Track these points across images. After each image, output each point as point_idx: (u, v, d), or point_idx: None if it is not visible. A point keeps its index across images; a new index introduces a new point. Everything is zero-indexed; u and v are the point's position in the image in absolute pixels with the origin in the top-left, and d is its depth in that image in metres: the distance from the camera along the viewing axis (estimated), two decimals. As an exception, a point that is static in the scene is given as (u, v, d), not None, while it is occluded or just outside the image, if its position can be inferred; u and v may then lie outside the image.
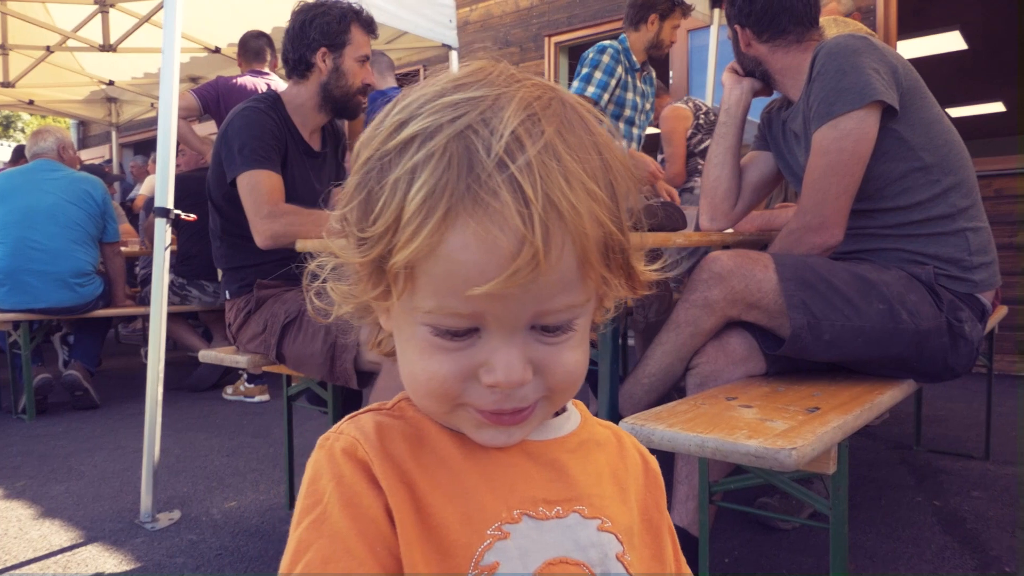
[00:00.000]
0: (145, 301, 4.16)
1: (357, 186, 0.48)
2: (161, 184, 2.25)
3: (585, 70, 3.08)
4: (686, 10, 3.23)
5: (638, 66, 3.21)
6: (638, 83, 3.25)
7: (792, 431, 1.08)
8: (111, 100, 7.37)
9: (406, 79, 6.86)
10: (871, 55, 1.51)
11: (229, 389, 3.92)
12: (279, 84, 3.88)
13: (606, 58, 3.06)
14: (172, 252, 4.09)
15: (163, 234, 2.19)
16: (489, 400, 0.47)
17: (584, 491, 0.52)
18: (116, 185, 8.33)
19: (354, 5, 2.06)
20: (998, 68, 8.16)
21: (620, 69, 3.11)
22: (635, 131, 3.31)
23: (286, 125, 2.02)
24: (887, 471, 2.53)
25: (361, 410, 0.54)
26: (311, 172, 2.07)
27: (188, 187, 3.97)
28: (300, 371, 1.94)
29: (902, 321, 1.46)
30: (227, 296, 2.06)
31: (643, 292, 0.54)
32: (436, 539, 0.47)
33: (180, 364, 4.74)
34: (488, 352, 0.46)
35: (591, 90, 3.03)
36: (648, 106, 3.36)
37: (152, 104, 7.08)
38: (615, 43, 3.16)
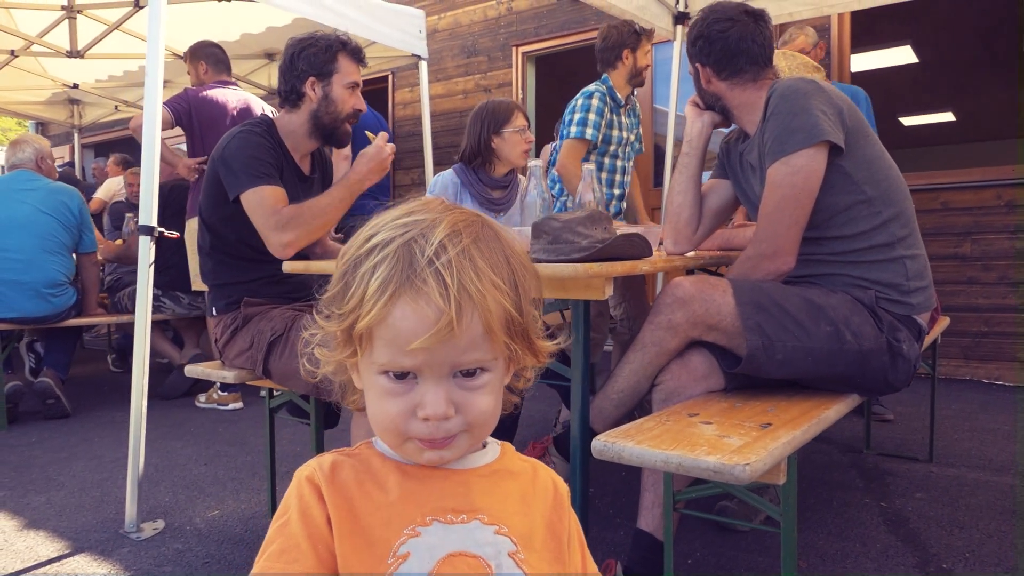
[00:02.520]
0: (116, 308, 4.19)
1: (339, 277, 0.69)
2: (145, 201, 2.32)
3: (578, 115, 3.28)
4: (650, 34, 3.40)
5: (622, 102, 3.41)
6: (623, 119, 3.45)
7: (746, 447, 1.21)
8: (74, 102, 7.30)
9: (376, 84, 6.92)
10: (819, 98, 1.65)
11: (202, 397, 3.96)
12: (246, 95, 3.92)
13: (595, 102, 3.27)
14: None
15: (147, 252, 2.26)
16: (424, 431, 0.66)
17: (486, 505, 0.70)
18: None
19: (341, 36, 2.15)
20: (947, 80, 8.49)
21: (607, 110, 3.33)
22: (619, 163, 3.50)
23: (281, 149, 2.10)
24: (839, 474, 2.69)
25: (329, 451, 0.74)
26: (302, 195, 2.15)
27: (162, 200, 4.00)
28: (286, 386, 2.02)
29: (846, 342, 1.60)
30: (213, 312, 2.13)
31: (545, 361, 0.73)
32: (364, 536, 0.66)
33: (151, 371, 4.74)
34: (422, 394, 0.65)
35: (589, 132, 3.25)
36: (633, 137, 3.56)
37: (116, 106, 7.04)
38: (600, 85, 3.36)
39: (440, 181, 2.78)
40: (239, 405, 3.90)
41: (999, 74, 7.96)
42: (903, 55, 7.26)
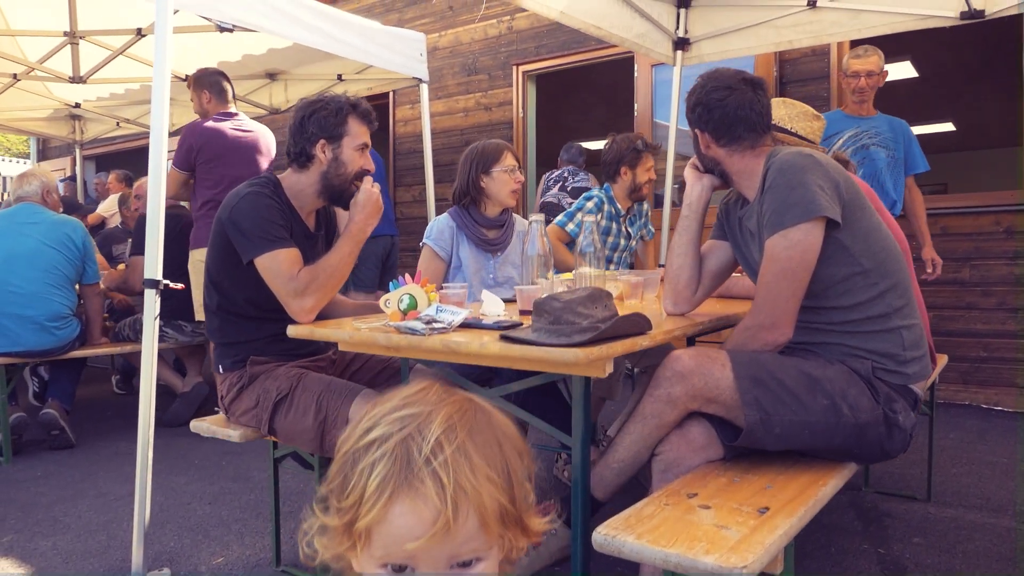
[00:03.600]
0: (118, 338, 4.21)
1: (338, 470, 0.72)
2: (151, 254, 2.34)
3: (573, 213, 3.52)
4: (654, 150, 3.58)
5: (623, 212, 3.58)
6: (623, 227, 3.62)
7: (744, 542, 1.23)
8: (75, 118, 7.32)
9: (377, 100, 6.93)
10: (816, 172, 1.68)
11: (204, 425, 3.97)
12: (251, 125, 3.94)
13: (590, 204, 3.49)
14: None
15: (152, 305, 2.29)
16: None
17: None
18: (79, 199, 8.27)
19: (351, 98, 2.17)
20: (947, 93, 8.51)
21: (601, 217, 3.50)
22: (611, 267, 3.63)
23: (288, 208, 2.12)
24: (837, 515, 2.72)
25: None
26: (308, 252, 2.17)
27: (170, 223, 4.03)
28: (291, 444, 2.05)
29: (843, 415, 1.63)
30: (220, 370, 2.16)
31: (538, 540, 0.76)
32: None
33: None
34: None
35: (570, 227, 3.49)
36: (634, 243, 3.74)
37: (117, 123, 7.07)
38: (601, 193, 3.54)
39: (436, 226, 2.81)
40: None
41: (999, 87, 7.98)
42: (903, 70, 7.27)
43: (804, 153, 1.72)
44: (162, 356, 4.38)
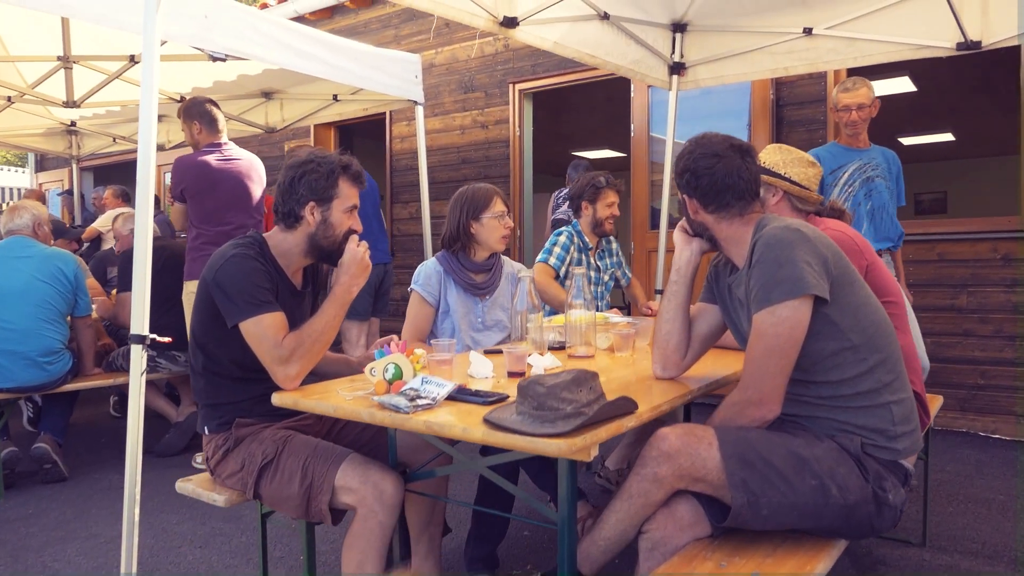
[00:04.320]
0: (112, 367, 4.19)
1: None
2: (137, 309, 2.32)
3: (550, 248, 3.58)
4: (614, 184, 3.64)
5: (591, 245, 3.65)
6: (592, 260, 3.68)
7: (727, 649, 1.21)
8: (72, 133, 7.31)
9: (373, 116, 6.90)
10: (804, 248, 1.65)
11: (199, 457, 3.97)
12: (241, 156, 3.91)
13: (562, 239, 3.58)
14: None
15: (139, 361, 2.27)
16: None
17: None
18: (76, 215, 8.26)
19: (343, 159, 2.15)
20: (945, 107, 8.48)
21: (573, 249, 3.58)
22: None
23: (274, 268, 2.10)
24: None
25: None
26: (296, 311, 2.15)
27: (160, 254, 4.01)
28: (277, 508, 2.03)
29: (832, 496, 1.61)
30: (205, 431, 2.13)
31: None
32: None
33: (147, 429, 4.76)
34: None
35: (552, 260, 3.54)
36: (607, 277, 3.78)
37: (114, 139, 7.05)
38: (570, 228, 3.64)
39: (424, 271, 2.79)
40: (235, 466, 3.91)
41: (997, 100, 7.95)
42: (901, 84, 7.25)
43: (792, 228, 1.69)
44: (155, 384, 4.36)
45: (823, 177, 3.46)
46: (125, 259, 4.02)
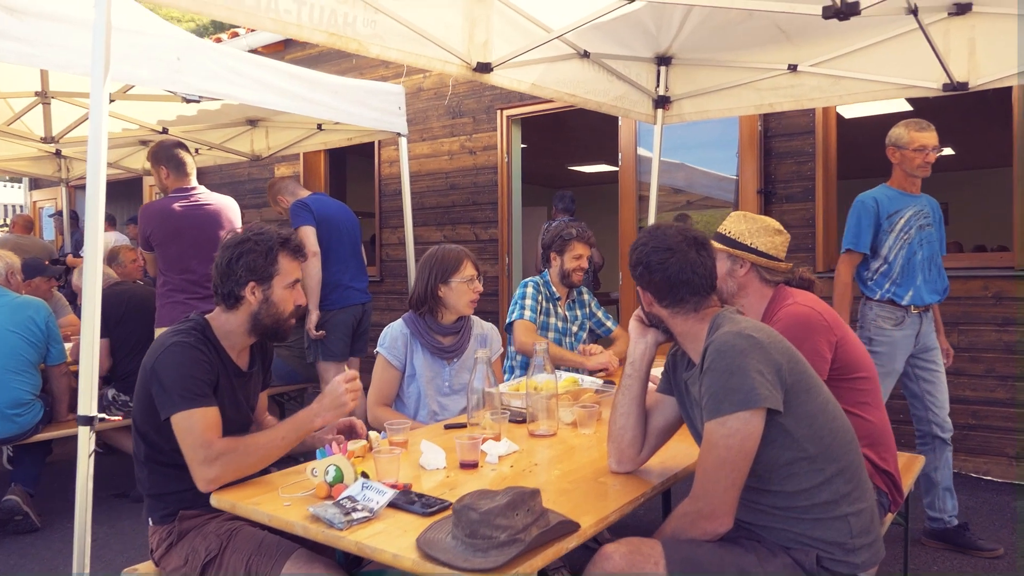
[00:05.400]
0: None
1: None
2: (85, 385, 2.26)
3: (516, 304, 3.50)
4: (584, 236, 3.55)
5: (558, 296, 3.59)
6: (560, 310, 3.61)
7: None
8: (61, 157, 7.26)
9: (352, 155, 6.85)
10: (756, 356, 1.58)
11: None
12: (207, 195, 3.85)
13: (528, 290, 3.50)
14: (110, 368, 4.09)
15: (86, 444, 2.21)
16: None
17: None
18: (66, 236, 8.22)
19: (282, 234, 2.08)
20: (943, 125, 8.36)
21: (541, 299, 3.51)
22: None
23: (216, 351, 2.04)
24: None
25: None
26: (239, 392, 2.09)
27: (123, 299, 3.97)
28: (220, 606, 1.97)
29: (784, 618, 1.54)
30: (150, 523, 2.08)
31: None
32: None
33: (126, 471, 4.71)
34: None
35: (527, 314, 3.44)
36: (575, 328, 3.68)
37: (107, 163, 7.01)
38: (538, 278, 3.59)
39: (390, 334, 2.73)
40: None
41: (991, 115, 7.86)
42: (897, 104, 7.15)
43: (745, 333, 1.62)
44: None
45: (879, 222, 3.31)
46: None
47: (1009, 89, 4.17)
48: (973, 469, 4.32)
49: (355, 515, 1.60)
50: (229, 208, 3.91)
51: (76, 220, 8.55)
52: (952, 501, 3.41)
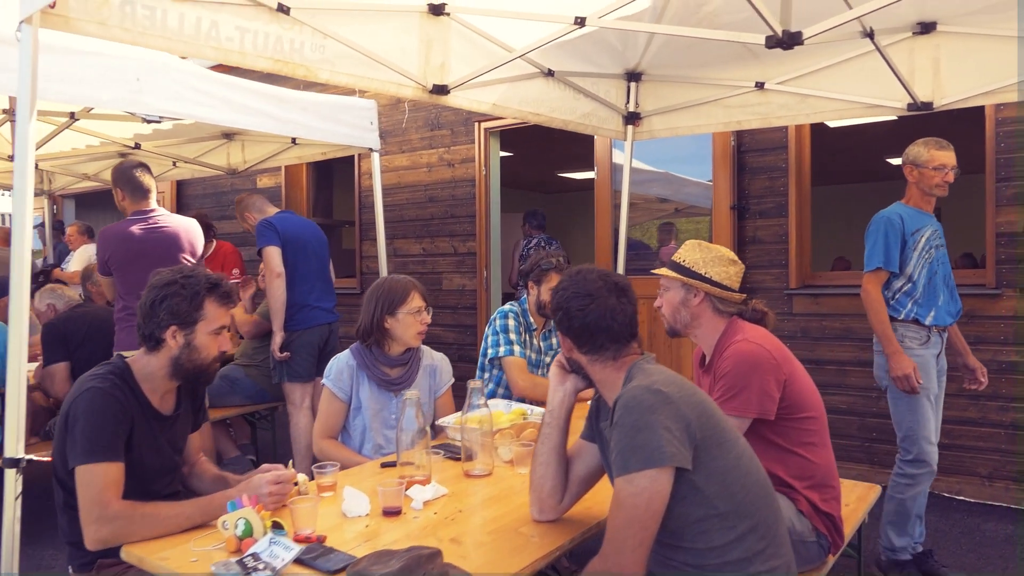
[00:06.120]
0: (50, 436, 4.11)
1: None
2: (10, 424, 2.23)
3: (500, 336, 3.37)
4: (562, 268, 3.40)
5: (534, 326, 3.49)
6: (535, 341, 3.50)
7: None
8: (40, 169, 7.25)
9: (338, 163, 6.83)
10: (664, 413, 1.55)
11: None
12: (166, 218, 3.82)
13: (511, 322, 3.39)
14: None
15: (12, 486, 2.18)
16: None
17: None
18: (50, 248, 8.21)
19: (212, 279, 2.05)
20: (928, 132, 8.30)
21: (522, 329, 3.41)
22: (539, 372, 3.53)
23: (134, 396, 2.00)
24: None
25: None
26: (161, 436, 2.06)
27: (57, 332, 3.91)
28: (139, 655, 1.93)
29: None
30: (70, 571, 2.05)
31: None
32: None
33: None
34: None
35: (517, 350, 3.32)
36: (549, 359, 3.57)
37: (85, 175, 6.99)
38: (516, 305, 3.48)
39: (336, 365, 2.69)
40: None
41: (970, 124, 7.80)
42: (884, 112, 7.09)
43: (654, 388, 1.59)
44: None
45: (904, 240, 3.23)
46: (46, 332, 3.93)
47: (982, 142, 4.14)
48: (946, 489, 4.27)
49: (256, 574, 1.57)
50: (190, 230, 3.88)
51: (60, 230, 8.54)
52: (920, 527, 3.37)
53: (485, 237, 6.07)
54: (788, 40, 2.41)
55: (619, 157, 5.63)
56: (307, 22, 2.80)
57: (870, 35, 3.01)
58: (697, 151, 5.19)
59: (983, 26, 3.27)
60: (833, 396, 4.56)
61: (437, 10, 3.19)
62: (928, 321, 3.24)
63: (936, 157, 3.25)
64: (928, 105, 3.53)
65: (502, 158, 8.91)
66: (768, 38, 2.45)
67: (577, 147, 9.23)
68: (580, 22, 2.99)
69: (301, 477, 2.08)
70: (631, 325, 1.75)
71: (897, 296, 3.27)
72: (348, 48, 2.95)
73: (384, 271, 4.94)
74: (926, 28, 3.38)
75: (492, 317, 3.47)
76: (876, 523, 3.37)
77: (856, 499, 2.74)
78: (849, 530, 2.46)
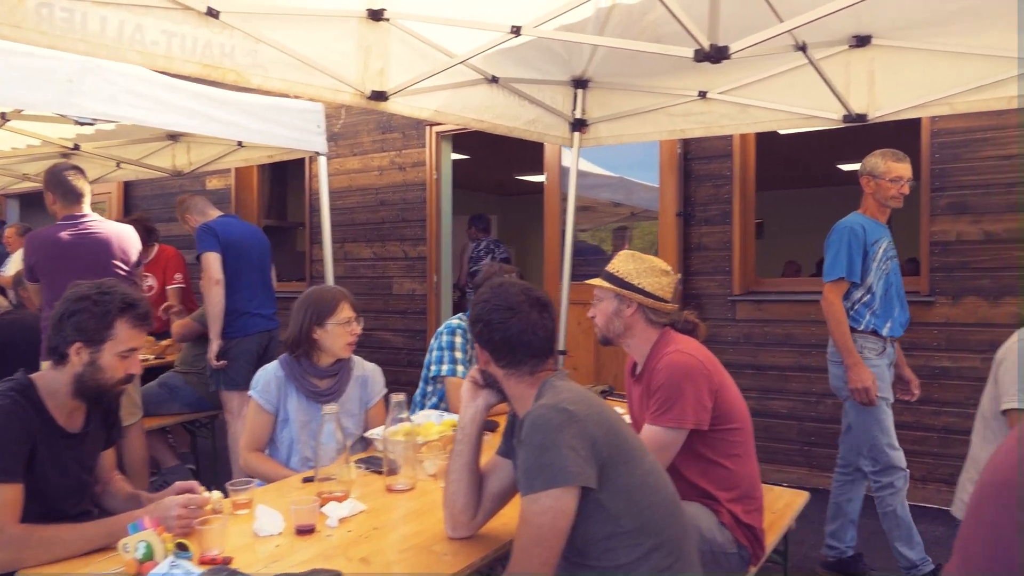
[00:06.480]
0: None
1: None
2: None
3: (446, 353, 3.27)
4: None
5: None
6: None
7: None
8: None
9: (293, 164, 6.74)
10: (570, 431, 1.54)
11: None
12: (98, 224, 3.74)
13: (458, 339, 3.30)
14: None
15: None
16: None
17: None
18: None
19: (128, 298, 1.98)
20: (878, 143, 8.46)
21: (468, 347, 3.33)
22: None
23: (37, 413, 1.94)
24: None
25: None
26: (68, 454, 1.99)
27: (13, 328, 3.81)
28: None
29: None
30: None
31: None
32: None
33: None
34: None
35: (460, 370, 3.23)
36: None
37: (24, 175, 6.80)
38: (463, 321, 3.35)
39: (263, 377, 2.65)
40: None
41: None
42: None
43: (560, 407, 1.58)
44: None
45: (866, 247, 3.23)
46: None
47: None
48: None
49: (153, 599, 1.53)
50: (123, 237, 3.79)
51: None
52: (852, 531, 3.43)
53: (436, 241, 6.04)
54: (715, 54, 2.42)
55: (569, 161, 5.64)
56: (238, 26, 2.75)
57: (803, 48, 3.05)
58: (646, 158, 5.23)
59: (916, 40, 3.33)
60: (774, 401, 4.63)
61: (376, 15, 3.15)
62: (885, 332, 3.28)
63: (893, 169, 3.28)
64: (863, 117, 3.59)
65: (458, 161, 8.92)
66: (696, 52, 2.46)
67: (532, 150, 9.24)
68: (516, 31, 2.98)
69: (216, 494, 2.04)
70: (550, 341, 1.75)
71: (856, 307, 3.28)
72: (282, 53, 2.90)
73: (330, 275, 4.88)
74: (861, 41, 3.43)
75: (439, 330, 3.40)
76: (805, 529, 3.42)
77: (784, 505, 2.77)
78: (775, 536, 2.50)
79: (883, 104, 3.57)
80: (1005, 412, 2.19)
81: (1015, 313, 4.01)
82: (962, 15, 3.08)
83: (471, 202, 11.40)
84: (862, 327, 3.25)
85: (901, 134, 7.89)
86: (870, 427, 3.23)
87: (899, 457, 3.24)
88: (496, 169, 10.27)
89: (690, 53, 2.48)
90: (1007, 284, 4.07)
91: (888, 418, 3.25)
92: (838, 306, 3.22)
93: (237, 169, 7.10)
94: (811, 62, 3.15)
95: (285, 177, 8.72)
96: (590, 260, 6.23)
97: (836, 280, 3.22)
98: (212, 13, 2.65)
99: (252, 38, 2.80)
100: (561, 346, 4.56)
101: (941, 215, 4.24)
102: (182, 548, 1.72)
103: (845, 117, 3.63)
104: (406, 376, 5.86)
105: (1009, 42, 3.12)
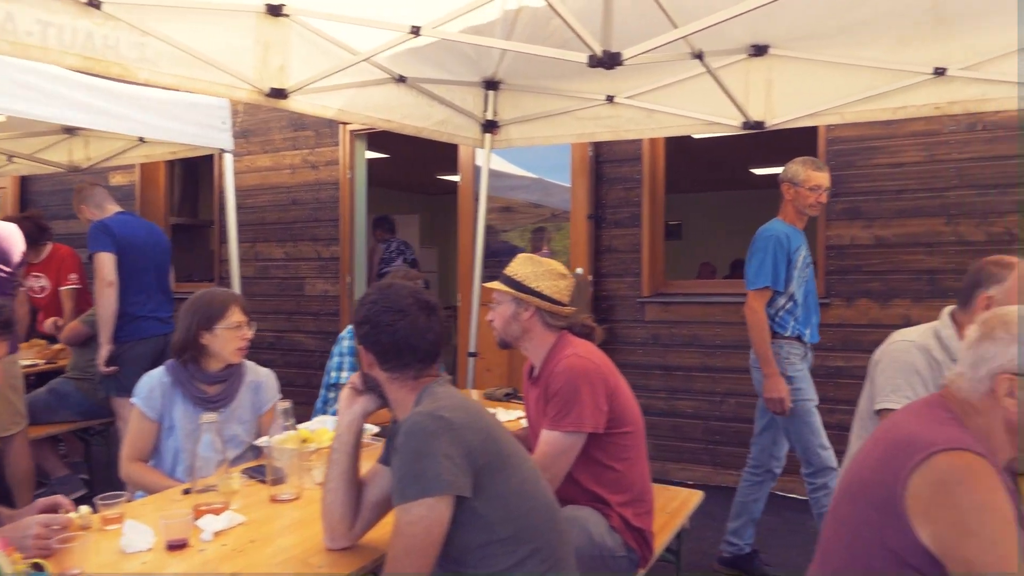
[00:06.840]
0: None
1: None
2: None
3: (346, 359, 3.21)
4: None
5: None
6: None
7: None
8: None
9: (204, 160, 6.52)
10: (445, 439, 1.52)
11: None
12: None
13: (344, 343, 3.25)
14: None
15: None
16: None
17: None
18: None
19: None
20: (786, 148, 8.75)
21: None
22: None
23: None
24: None
25: None
26: None
27: None
28: None
29: None
30: None
31: None
32: None
33: None
34: None
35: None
36: None
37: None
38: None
39: (148, 383, 2.54)
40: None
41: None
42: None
43: (437, 414, 1.56)
44: None
45: (790, 255, 3.26)
46: None
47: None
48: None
49: (-3, 625, 1.43)
50: (9, 235, 3.59)
51: None
52: (752, 530, 3.53)
53: (349, 242, 5.94)
54: (608, 60, 2.45)
55: (483, 161, 5.64)
56: (122, 18, 2.63)
57: (699, 56, 3.11)
58: (560, 160, 5.27)
59: (810, 51, 3.45)
60: (680, 401, 4.73)
61: (275, 11, 3.07)
62: (807, 338, 3.37)
63: (812, 177, 3.34)
64: (760, 124, 3.70)
65: (377, 160, 8.82)
66: (590, 57, 2.48)
67: (450, 150, 9.20)
68: (415, 31, 2.95)
69: (83, 509, 1.94)
70: (437, 345, 1.72)
71: (780, 314, 3.32)
72: (172, 47, 2.80)
73: (236, 275, 4.73)
74: (759, 51, 3.53)
75: (340, 335, 3.33)
76: (705, 526, 3.50)
77: (679, 504, 2.83)
78: (668, 536, 2.54)
79: (780, 112, 3.69)
80: (879, 412, 2.28)
81: (903, 315, 4.20)
82: (852, 28, 3.20)
83: (394, 202, 11.29)
84: (788, 333, 3.32)
85: (802, 141, 8.21)
86: (801, 430, 3.30)
87: (830, 457, 3.32)
88: (416, 168, 10.18)
89: (584, 58, 2.50)
90: (896, 287, 4.26)
91: (817, 419, 3.33)
92: (761, 315, 3.27)
93: (142, 165, 6.82)
94: (708, 70, 3.22)
95: (196, 173, 8.44)
96: (505, 261, 6.23)
97: (761, 288, 3.27)
98: (93, 3, 2.54)
99: (139, 31, 2.69)
100: (472, 348, 4.55)
101: (836, 220, 4.41)
102: (37, 568, 1.63)
103: (744, 124, 3.73)
104: (319, 379, 5.72)
105: (894, 55, 3.27)
